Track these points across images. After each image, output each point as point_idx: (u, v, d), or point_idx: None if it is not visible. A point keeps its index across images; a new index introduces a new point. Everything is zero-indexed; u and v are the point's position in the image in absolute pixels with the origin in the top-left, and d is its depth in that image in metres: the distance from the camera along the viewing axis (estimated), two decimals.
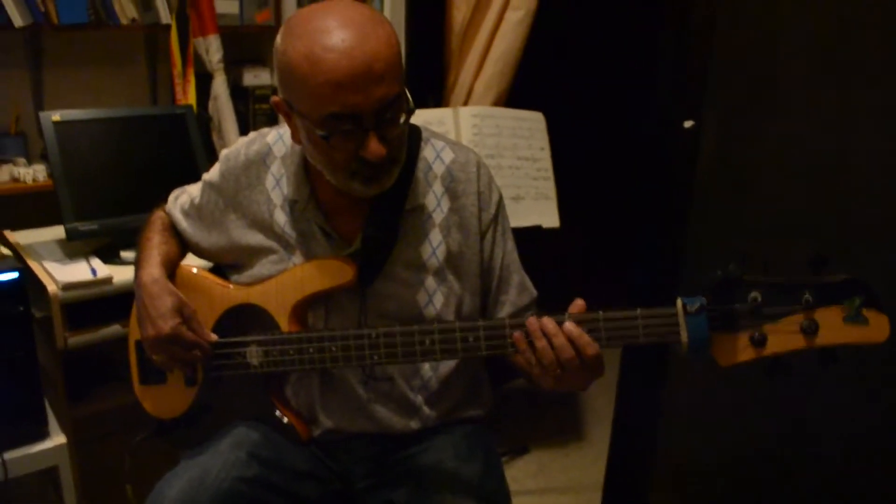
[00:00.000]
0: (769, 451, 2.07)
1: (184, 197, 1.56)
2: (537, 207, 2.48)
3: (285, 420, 1.42)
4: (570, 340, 1.17)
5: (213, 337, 1.40)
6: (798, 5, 1.84)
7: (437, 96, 2.75)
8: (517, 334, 1.21)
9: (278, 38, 1.21)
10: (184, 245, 1.55)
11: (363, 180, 1.24)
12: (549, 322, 1.19)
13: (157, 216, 1.57)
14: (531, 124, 2.53)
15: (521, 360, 1.29)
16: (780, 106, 1.91)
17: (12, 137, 2.56)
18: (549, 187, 2.51)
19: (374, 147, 1.18)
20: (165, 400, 1.50)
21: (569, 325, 1.18)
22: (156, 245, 1.48)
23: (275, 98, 1.27)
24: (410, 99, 1.23)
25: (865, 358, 1.22)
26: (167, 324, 1.34)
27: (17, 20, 2.28)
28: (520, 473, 2.83)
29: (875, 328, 1.09)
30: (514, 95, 2.69)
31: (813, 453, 1.97)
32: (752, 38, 1.94)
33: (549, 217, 2.48)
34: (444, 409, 1.46)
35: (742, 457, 2.15)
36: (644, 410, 2.34)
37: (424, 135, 1.44)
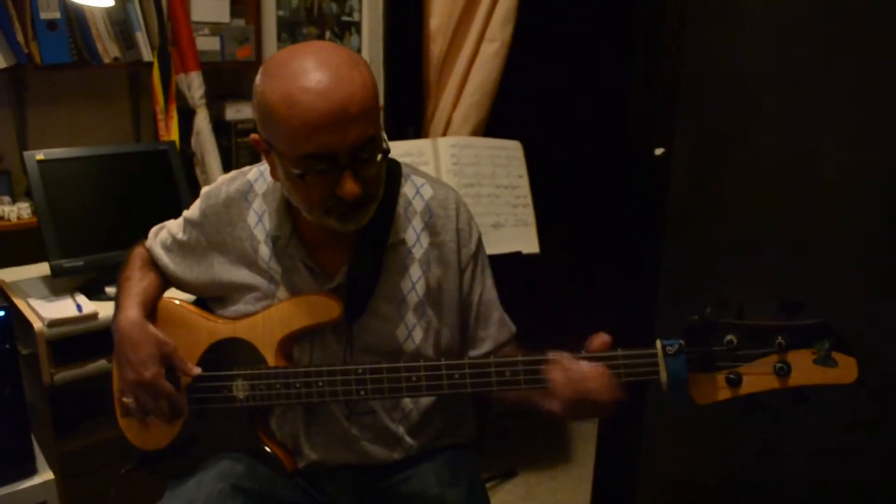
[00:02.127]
0: (754, 467, 2.09)
1: (163, 233, 1.57)
2: (517, 234, 2.52)
3: (270, 452, 1.44)
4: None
5: (197, 370, 1.42)
6: (767, 32, 1.90)
7: (416, 127, 2.80)
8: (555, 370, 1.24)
9: (257, 79, 1.24)
10: (164, 279, 1.56)
11: (338, 217, 1.27)
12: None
13: (137, 253, 1.58)
14: (509, 153, 2.57)
15: (517, 396, 1.33)
16: (751, 129, 1.96)
17: None
18: (529, 214, 2.55)
19: (349, 186, 1.21)
20: (149, 432, 1.51)
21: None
22: (135, 283, 1.49)
23: (254, 136, 1.30)
24: (386, 140, 1.26)
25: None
26: (147, 371, 1.36)
27: (1, 62, 2.31)
28: (508, 497, 2.84)
29: (843, 370, 1.16)
30: (492, 125, 2.74)
31: (798, 471, 2.00)
32: (721, 65, 2.00)
33: (528, 243, 2.52)
34: (427, 439, 1.48)
35: (727, 474, 2.17)
36: (627, 431, 2.37)
37: (405, 171, 1.47)
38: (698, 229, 2.11)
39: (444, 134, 2.71)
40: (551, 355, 1.25)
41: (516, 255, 2.47)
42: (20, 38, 2.33)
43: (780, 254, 1.92)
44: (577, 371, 1.22)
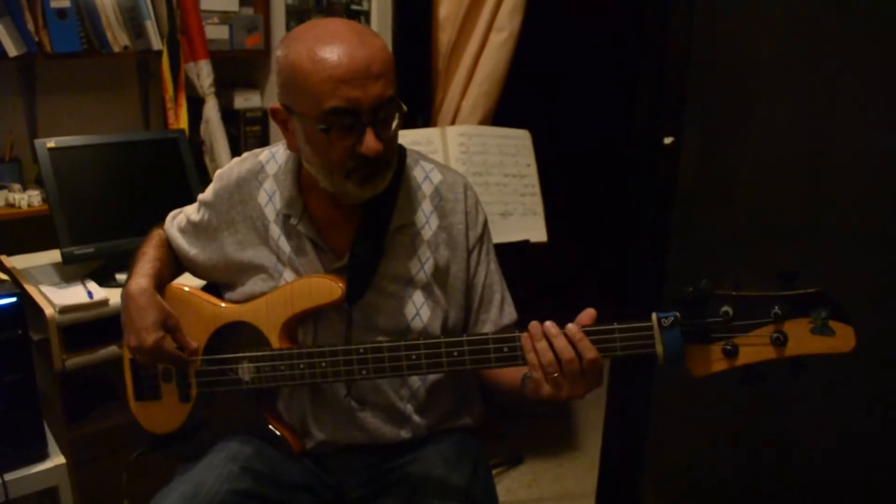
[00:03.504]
0: (761, 457, 2.10)
1: (180, 216, 1.60)
2: (525, 223, 2.52)
3: (278, 433, 1.46)
4: (572, 343, 1.21)
5: (194, 344, 1.44)
6: (777, 20, 1.89)
7: (424, 116, 2.80)
8: (524, 336, 1.24)
9: (278, 50, 1.29)
10: (178, 263, 1.60)
11: (358, 180, 1.29)
12: (551, 325, 1.23)
13: (155, 233, 1.61)
14: (517, 142, 2.57)
15: (509, 376, 1.35)
16: (758, 119, 1.96)
17: (7, 164, 2.59)
18: (537, 203, 2.55)
19: (371, 142, 1.24)
20: (160, 415, 1.53)
21: (571, 327, 1.21)
22: (150, 259, 1.51)
23: (273, 105, 1.33)
24: (403, 105, 1.29)
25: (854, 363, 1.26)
26: (150, 336, 1.38)
27: (12, 50, 2.32)
28: (514, 483, 2.85)
29: (841, 339, 1.14)
30: (501, 114, 2.74)
31: (805, 460, 2.00)
32: (731, 53, 1.99)
33: (536, 232, 2.53)
34: (435, 419, 1.50)
35: (733, 463, 2.18)
36: (633, 419, 2.38)
37: (413, 156, 1.49)
38: (707, 219, 2.10)
39: (453, 123, 2.71)
40: None
41: (524, 244, 2.48)
42: (30, 26, 2.35)
43: (789, 243, 1.92)
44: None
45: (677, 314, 1.19)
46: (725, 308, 1.18)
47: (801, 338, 1.15)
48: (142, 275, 1.46)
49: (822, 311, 1.14)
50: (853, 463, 1.91)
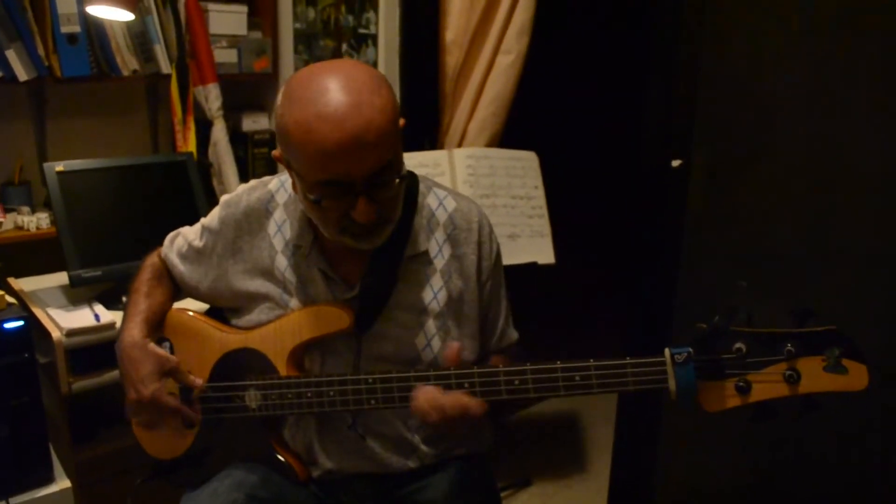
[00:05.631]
0: (773, 479, 2.08)
1: (179, 240, 1.57)
2: (533, 245, 2.52)
3: (283, 461, 1.45)
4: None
5: (200, 382, 1.43)
6: (785, 44, 1.89)
7: (432, 138, 2.81)
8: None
9: (278, 99, 1.23)
10: (176, 288, 1.58)
11: (353, 237, 1.28)
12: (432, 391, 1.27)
13: (149, 263, 1.58)
14: (525, 164, 2.57)
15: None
16: (769, 144, 1.95)
17: (16, 187, 2.60)
18: (544, 225, 2.55)
19: (363, 210, 1.21)
20: (164, 441, 1.52)
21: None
22: (141, 299, 1.50)
23: (275, 152, 1.30)
24: (404, 164, 1.27)
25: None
26: (147, 389, 1.37)
27: (22, 74, 2.33)
28: None
29: (854, 377, 1.15)
30: (508, 136, 2.74)
31: (818, 484, 1.99)
32: (739, 77, 1.99)
33: (544, 254, 2.52)
34: (443, 447, 1.48)
35: (745, 484, 2.16)
36: (644, 440, 2.36)
37: (427, 183, 1.48)
38: (716, 241, 2.10)
39: (460, 145, 2.72)
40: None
41: (532, 266, 2.47)
42: (41, 51, 2.36)
43: (798, 266, 1.91)
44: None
45: (690, 350, 1.19)
46: (739, 345, 1.18)
47: (814, 375, 1.16)
48: (134, 324, 1.45)
49: (836, 349, 1.15)
50: (868, 485, 1.89)
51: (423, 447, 1.45)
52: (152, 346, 1.42)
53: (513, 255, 2.44)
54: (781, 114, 1.92)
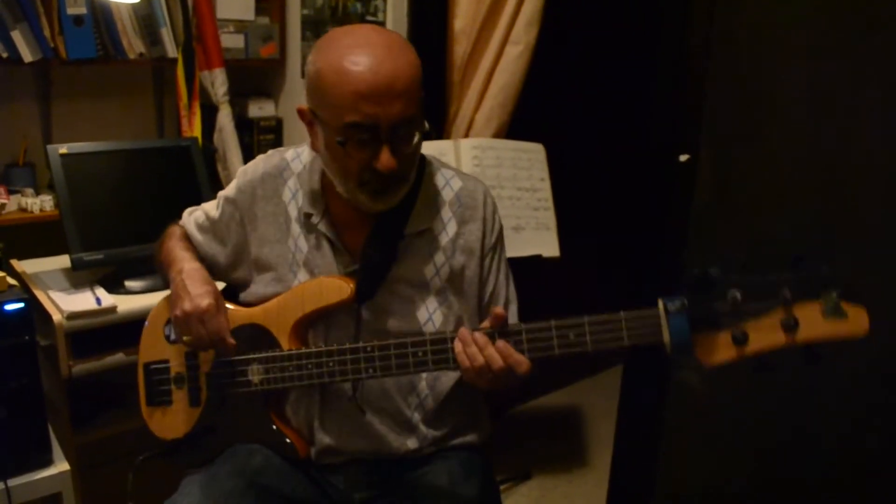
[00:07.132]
0: (775, 474, 2.08)
1: (198, 212, 1.61)
2: (537, 237, 2.51)
3: (285, 437, 1.46)
4: (501, 355, 1.24)
5: (231, 340, 1.42)
6: (794, 39, 1.88)
7: (438, 128, 2.79)
8: (456, 343, 1.27)
9: (311, 53, 1.30)
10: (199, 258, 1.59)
11: (371, 193, 1.31)
12: (480, 336, 1.26)
13: (174, 229, 1.61)
14: (531, 155, 2.56)
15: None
16: (776, 139, 1.94)
17: (20, 168, 2.60)
18: (550, 217, 2.53)
19: (386, 159, 1.26)
20: (170, 420, 1.53)
21: (500, 343, 1.25)
22: (182, 248, 1.53)
23: (301, 106, 1.35)
24: (426, 123, 1.31)
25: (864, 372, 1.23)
26: (205, 300, 1.38)
27: (27, 56, 2.33)
28: (522, 500, 2.82)
29: (854, 322, 1.10)
30: (515, 127, 2.72)
31: (821, 479, 1.98)
32: (747, 71, 1.98)
33: (549, 247, 2.51)
34: (442, 432, 1.49)
35: (747, 480, 2.15)
36: (644, 434, 2.35)
37: (435, 164, 1.51)
38: (723, 236, 2.08)
39: (467, 135, 2.70)
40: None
41: (537, 259, 2.46)
42: (46, 32, 2.36)
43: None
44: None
45: (684, 299, 1.16)
46: (733, 292, 1.14)
47: (813, 322, 1.11)
48: (192, 259, 1.49)
49: (833, 291, 1.10)
50: (868, 485, 1.88)
51: (423, 427, 1.47)
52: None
53: (517, 248, 2.43)
54: (791, 108, 1.90)
